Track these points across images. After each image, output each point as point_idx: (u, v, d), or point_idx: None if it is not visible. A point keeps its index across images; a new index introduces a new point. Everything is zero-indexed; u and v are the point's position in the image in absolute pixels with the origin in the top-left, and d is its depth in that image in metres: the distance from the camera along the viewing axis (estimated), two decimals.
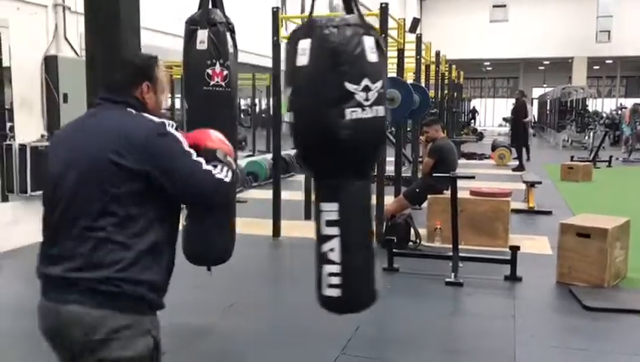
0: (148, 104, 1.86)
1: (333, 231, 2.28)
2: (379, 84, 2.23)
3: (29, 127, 5.91)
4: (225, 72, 3.30)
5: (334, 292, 2.27)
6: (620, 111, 21.30)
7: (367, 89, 2.21)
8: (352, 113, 2.19)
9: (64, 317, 1.71)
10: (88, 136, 1.77)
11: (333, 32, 2.22)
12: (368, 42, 2.24)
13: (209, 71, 3.27)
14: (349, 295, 2.28)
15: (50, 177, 1.83)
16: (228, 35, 3.36)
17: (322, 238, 2.29)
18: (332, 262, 2.27)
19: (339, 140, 2.19)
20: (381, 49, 2.28)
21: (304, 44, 2.25)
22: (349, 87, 2.19)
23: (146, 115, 1.80)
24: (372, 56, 2.24)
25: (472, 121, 32.54)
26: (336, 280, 2.26)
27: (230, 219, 3.42)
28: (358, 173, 2.33)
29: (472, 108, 33.80)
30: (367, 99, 2.20)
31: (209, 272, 3.53)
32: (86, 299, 1.68)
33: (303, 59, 2.25)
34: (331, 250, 2.27)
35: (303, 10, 12.10)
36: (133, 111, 1.80)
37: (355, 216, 2.31)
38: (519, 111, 13.54)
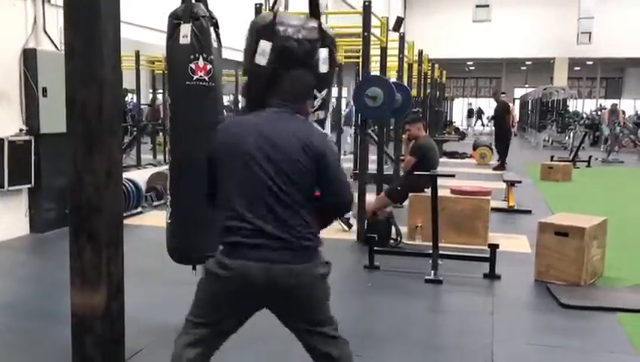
0: (305, 113, 2.31)
1: None
2: (324, 92, 2.48)
3: (6, 121, 5.82)
4: (208, 67, 3.27)
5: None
6: (599, 112, 21.58)
7: (314, 97, 2.43)
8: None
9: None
10: (281, 136, 2.15)
11: (293, 45, 2.37)
12: (322, 54, 2.41)
13: (192, 65, 3.24)
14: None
15: (241, 153, 2.16)
16: (211, 29, 3.33)
17: None
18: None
19: None
20: (333, 58, 2.46)
21: (265, 46, 2.37)
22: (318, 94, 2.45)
23: (315, 124, 2.32)
24: (323, 67, 2.42)
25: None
26: None
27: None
28: None
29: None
30: (312, 106, 2.41)
31: (193, 272, 3.51)
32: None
33: (261, 60, 2.37)
34: None
35: (286, 7, 12.06)
36: (302, 118, 2.25)
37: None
38: (500, 111, 13.60)
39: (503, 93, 15.47)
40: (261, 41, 2.38)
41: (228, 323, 2.22)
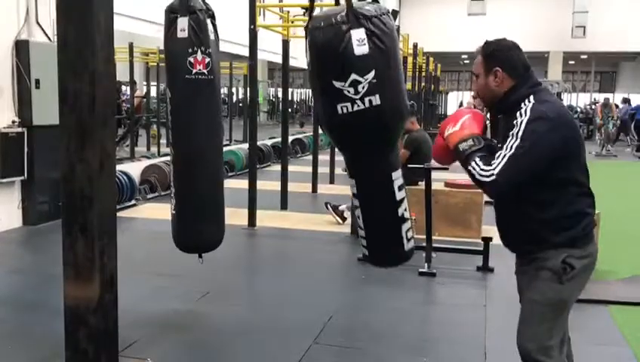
0: None
1: (402, 194, 2.54)
2: (370, 75, 2.26)
3: None
4: (207, 60, 3.26)
5: (411, 244, 2.60)
6: (593, 106, 21.63)
7: (355, 83, 2.27)
8: (342, 108, 2.29)
9: None
10: None
11: (317, 34, 2.32)
12: (356, 35, 2.26)
13: (190, 59, 3.24)
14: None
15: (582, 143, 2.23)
16: (208, 22, 3.32)
17: (399, 202, 2.52)
18: (407, 220, 2.57)
19: (339, 132, 2.41)
20: (375, 36, 2.29)
21: (306, 44, 2.39)
22: (337, 84, 2.27)
23: None
24: (360, 50, 2.26)
25: None
26: (410, 234, 2.61)
27: None
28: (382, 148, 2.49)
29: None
30: (356, 93, 2.27)
31: (200, 260, 3.55)
32: None
33: (307, 58, 2.41)
34: (405, 210, 2.55)
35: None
36: None
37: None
38: None
39: None
40: (306, 39, 2.41)
41: None
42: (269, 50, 9.82)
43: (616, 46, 25.85)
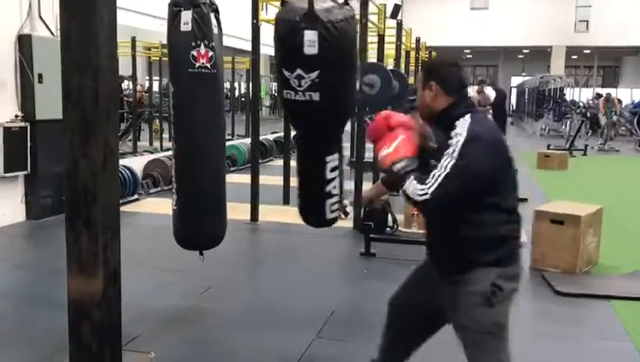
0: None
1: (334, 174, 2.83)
2: (314, 74, 2.51)
3: (2, 108, 5.79)
4: (210, 54, 3.26)
5: (333, 215, 2.99)
6: (596, 101, 21.57)
7: (300, 77, 2.52)
8: (287, 94, 2.59)
9: None
10: None
11: (279, 24, 2.60)
12: (308, 36, 2.48)
13: (194, 53, 3.23)
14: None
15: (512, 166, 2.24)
16: (212, 15, 3.32)
17: (328, 181, 2.83)
18: (334, 196, 2.91)
19: (285, 111, 2.78)
20: (326, 41, 2.49)
21: None
22: (285, 73, 2.55)
23: None
24: (309, 50, 2.49)
25: None
26: (335, 207, 2.96)
27: None
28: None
29: None
30: (300, 86, 2.53)
31: (201, 257, 3.54)
32: None
33: None
34: (334, 187, 2.86)
35: None
36: None
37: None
38: (500, 98, 13.51)
39: (483, 81, 15.38)
40: None
41: None
42: (272, 44, 9.79)
43: (619, 40, 25.75)
